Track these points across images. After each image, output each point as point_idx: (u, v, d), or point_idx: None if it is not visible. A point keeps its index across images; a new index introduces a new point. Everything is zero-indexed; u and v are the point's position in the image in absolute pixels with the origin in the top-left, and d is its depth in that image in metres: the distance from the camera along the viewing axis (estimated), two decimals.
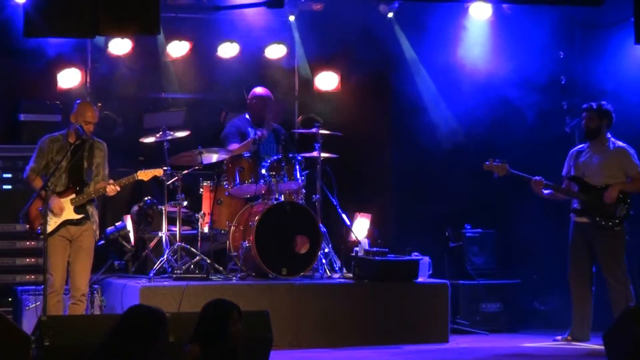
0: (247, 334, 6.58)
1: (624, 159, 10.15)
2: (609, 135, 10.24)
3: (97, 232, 9.17)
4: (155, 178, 10.31)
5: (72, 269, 8.99)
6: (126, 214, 10.80)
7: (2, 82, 11.06)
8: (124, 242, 10.56)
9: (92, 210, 9.08)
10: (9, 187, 10.55)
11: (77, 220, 8.96)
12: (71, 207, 8.95)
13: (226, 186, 10.44)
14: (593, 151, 10.26)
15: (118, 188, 8.98)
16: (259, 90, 11.15)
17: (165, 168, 10.03)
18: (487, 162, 10.32)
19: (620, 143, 10.23)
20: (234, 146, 10.81)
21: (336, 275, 10.50)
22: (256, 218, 10.06)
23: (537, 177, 10.23)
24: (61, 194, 8.95)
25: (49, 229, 8.80)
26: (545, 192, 10.31)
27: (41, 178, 9.02)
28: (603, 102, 10.25)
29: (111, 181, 8.97)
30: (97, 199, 9.21)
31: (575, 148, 10.47)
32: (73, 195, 8.96)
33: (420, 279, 10.45)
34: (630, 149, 10.20)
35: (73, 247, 9.01)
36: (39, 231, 8.99)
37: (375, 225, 11.30)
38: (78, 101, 9.24)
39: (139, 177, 9.11)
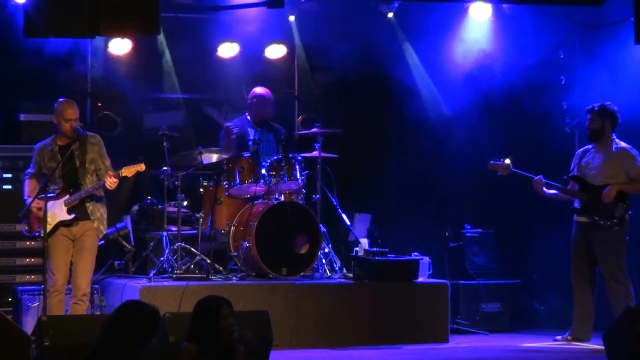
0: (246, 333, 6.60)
1: (626, 160, 10.15)
2: (613, 136, 10.24)
3: (102, 227, 9.10)
4: (155, 178, 10.34)
5: (74, 269, 8.98)
6: (126, 214, 10.80)
7: (2, 82, 11.06)
8: (124, 242, 10.56)
9: (93, 207, 9.05)
10: (9, 187, 10.55)
11: (69, 221, 8.95)
12: (64, 209, 8.94)
13: (226, 186, 10.44)
14: (596, 151, 10.27)
15: (116, 180, 8.87)
16: (258, 90, 11.16)
17: (165, 168, 10.11)
18: (491, 162, 10.36)
19: (623, 144, 10.23)
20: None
21: (336, 275, 10.50)
22: (256, 218, 10.06)
23: (538, 177, 10.24)
24: (57, 197, 8.94)
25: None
26: (548, 191, 10.31)
27: (37, 181, 9.04)
28: (607, 103, 10.24)
29: (110, 172, 8.91)
30: (106, 191, 9.14)
31: (582, 149, 10.47)
32: (67, 197, 8.96)
33: (420, 279, 10.45)
34: (633, 150, 10.19)
35: (75, 247, 9.00)
36: (37, 233, 9.01)
37: (375, 225, 11.30)
38: (60, 99, 9.21)
39: (123, 174, 9.04)
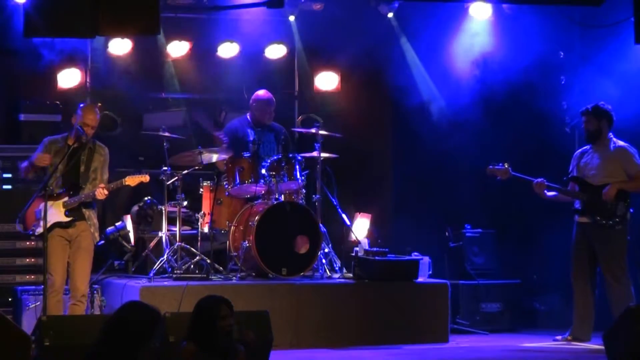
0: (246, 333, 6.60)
1: (625, 158, 10.15)
2: (610, 135, 10.24)
3: (97, 234, 9.17)
4: (155, 178, 10.34)
5: (72, 270, 9.01)
6: (126, 214, 10.81)
7: (2, 82, 11.07)
8: (124, 242, 10.56)
9: (89, 213, 9.09)
10: (9, 187, 10.55)
11: (66, 222, 8.97)
12: (62, 210, 8.96)
13: (226, 186, 10.44)
14: (595, 151, 10.27)
15: (106, 192, 8.97)
16: (261, 93, 11.15)
17: (165, 168, 10.13)
18: (489, 167, 10.34)
19: (621, 143, 10.23)
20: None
21: (336, 275, 10.50)
22: (256, 218, 10.06)
23: (539, 179, 10.23)
24: (56, 197, 8.96)
25: (40, 230, 8.82)
26: (548, 193, 10.31)
27: (36, 170, 9.05)
28: (600, 103, 10.23)
29: (102, 185, 8.96)
30: (97, 200, 9.19)
31: (580, 150, 10.47)
32: (65, 198, 8.97)
33: (420, 279, 10.45)
34: (631, 149, 10.20)
35: (72, 248, 9.03)
36: (31, 232, 9.02)
37: (375, 225, 11.30)
38: (82, 104, 9.28)
39: (127, 183, 9.12)
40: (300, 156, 10.60)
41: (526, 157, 10.92)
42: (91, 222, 9.09)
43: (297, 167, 10.44)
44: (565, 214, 10.48)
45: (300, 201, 10.58)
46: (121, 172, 9.56)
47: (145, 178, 9.18)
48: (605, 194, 10.02)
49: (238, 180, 10.35)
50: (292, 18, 11.89)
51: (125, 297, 9.53)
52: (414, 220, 11.55)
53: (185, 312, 8.15)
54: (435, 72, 11.92)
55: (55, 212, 8.95)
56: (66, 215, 8.97)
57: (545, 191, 10.28)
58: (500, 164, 10.31)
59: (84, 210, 9.05)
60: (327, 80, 12.19)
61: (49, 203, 8.86)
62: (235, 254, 10.27)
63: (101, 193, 8.92)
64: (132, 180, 9.13)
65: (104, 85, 11.46)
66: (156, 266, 10.01)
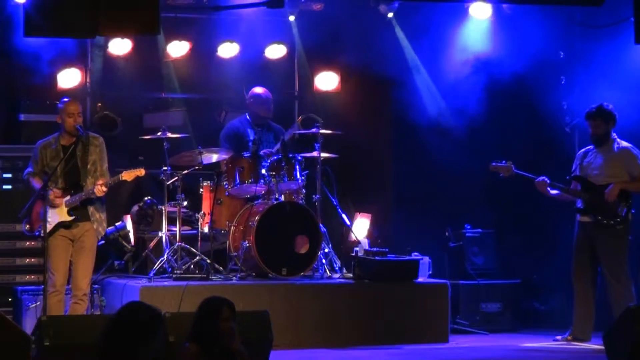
0: (247, 334, 6.59)
1: (628, 159, 10.15)
2: (614, 135, 10.24)
3: (100, 229, 9.15)
4: (155, 178, 10.35)
5: (74, 269, 9.01)
6: (126, 214, 10.80)
7: (2, 82, 11.06)
8: (124, 242, 10.56)
9: (93, 210, 9.08)
10: (9, 187, 10.55)
11: (69, 222, 8.96)
12: (65, 209, 8.95)
13: (226, 186, 10.44)
14: (598, 151, 10.27)
15: (105, 189, 8.97)
16: (256, 89, 11.17)
17: (165, 168, 10.13)
18: (493, 164, 10.35)
19: (625, 143, 10.23)
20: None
21: (336, 275, 10.50)
22: (256, 218, 10.06)
23: (541, 177, 10.23)
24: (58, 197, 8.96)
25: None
26: (551, 192, 10.31)
27: (41, 177, 9.05)
28: (604, 104, 10.21)
29: (100, 181, 8.95)
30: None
31: (583, 149, 10.47)
32: (67, 197, 8.97)
33: (420, 279, 10.45)
34: (635, 150, 10.20)
35: (75, 247, 9.02)
36: (37, 233, 9.02)
37: (375, 225, 11.30)
38: (63, 99, 9.25)
39: (123, 178, 9.12)
40: (300, 156, 10.59)
41: (526, 157, 10.91)
42: (94, 218, 9.07)
43: (297, 167, 10.44)
44: (565, 213, 10.48)
45: (300, 201, 10.58)
46: (120, 172, 9.55)
47: (141, 172, 9.17)
48: (608, 194, 10.02)
49: (238, 180, 10.35)
50: (292, 18, 11.89)
51: (125, 297, 9.54)
52: (414, 220, 11.55)
53: (185, 312, 8.15)
54: (435, 72, 11.92)
55: (59, 212, 8.94)
56: (69, 215, 8.97)
57: (549, 189, 10.28)
58: (504, 161, 10.33)
59: (88, 207, 9.03)
60: (327, 80, 12.19)
61: (52, 203, 8.86)
62: (235, 254, 10.27)
63: (100, 190, 8.93)
64: (128, 175, 9.13)
65: (104, 85, 11.47)
66: (156, 266, 10.01)
